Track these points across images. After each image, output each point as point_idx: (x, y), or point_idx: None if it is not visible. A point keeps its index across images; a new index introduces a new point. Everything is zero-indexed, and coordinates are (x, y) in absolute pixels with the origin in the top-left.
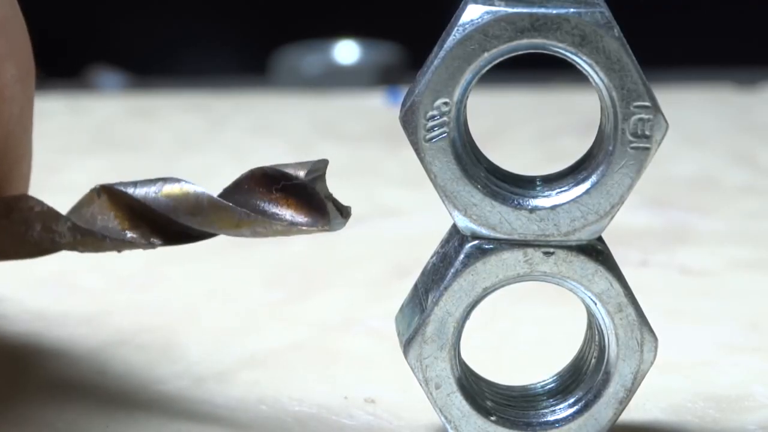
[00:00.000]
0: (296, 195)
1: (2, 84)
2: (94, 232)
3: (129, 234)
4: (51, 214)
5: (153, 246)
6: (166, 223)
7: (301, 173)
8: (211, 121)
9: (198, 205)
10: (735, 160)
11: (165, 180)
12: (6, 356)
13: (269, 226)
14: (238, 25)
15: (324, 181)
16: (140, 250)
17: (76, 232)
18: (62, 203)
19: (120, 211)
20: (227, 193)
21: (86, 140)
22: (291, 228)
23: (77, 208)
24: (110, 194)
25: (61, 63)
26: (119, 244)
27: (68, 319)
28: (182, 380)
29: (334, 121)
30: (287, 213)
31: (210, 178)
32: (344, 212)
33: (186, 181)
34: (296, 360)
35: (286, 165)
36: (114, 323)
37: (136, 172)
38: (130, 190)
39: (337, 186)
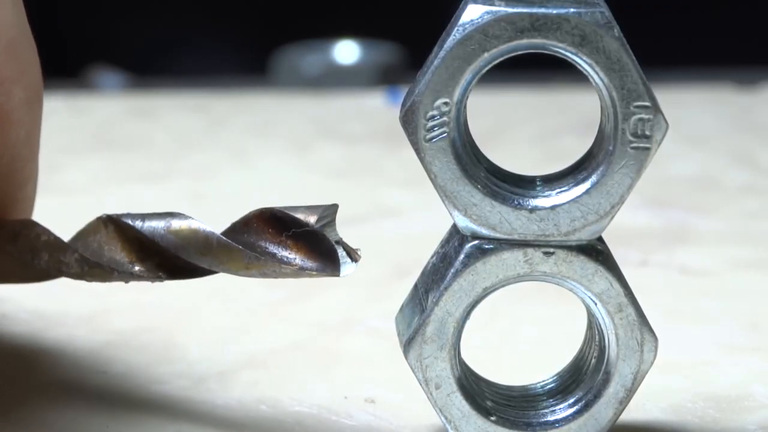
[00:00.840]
0: (306, 241)
1: (10, 108)
2: (101, 265)
3: (137, 267)
4: (58, 244)
5: (160, 280)
6: (173, 258)
7: (312, 219)
8: (211, 121)
9: (207, 245)
10: (735, 160)
11: (173, 215)
12: (6, 356)
13: (278, 269)
14: (238, 25)
15: (334, 226)
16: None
17: (84, 263)
18: (62, 203)
19: (127, 243)
20: (234, 230)
21: (86, 140)
22: (300, 272)
23: (82, 236)
24: (117, 226)
25: (61, 63)
26: (126, 276)
27: (68, 319)
28: (182, 380)
29: (334, 121)
30: (297, 258)
31: (210, 178)
32: (353, 256)
33: (194, 219)
34: (296, 360)
35: (296, 208)
36: (114, 323)
37: (136, 172)
38: (138, 224)
39: (337, 186)
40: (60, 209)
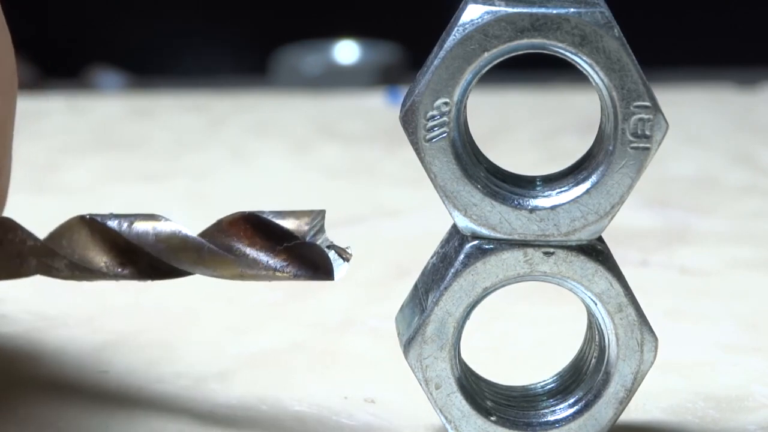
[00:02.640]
0: (299, 251)
1: None
2: (91, 270)
3: (126, 270)
4: (45, 249)
5: (151, 279)
6: (162, 262)
7: (303, 228)
8: (211, 121)
9: (198, 253)
10: (735, 160)
11: (157, 219)
12: (6, 356)
13: (272, 275)
14: (238, 25)
15: (323, 231)
16: None
17: (74, 269)
18: (62, 203)
19: (112, 245)
20: (219, 229)
21: (86, 140)
22: (294, 278)
23: (60, 234)
24: (100, 227)
25: (61, 63)
26: (116, 278)
27: (69, 320)
28: (182, 380)
29: (334, 121)
30: (290, 267)
31: (210, 177)
32: (344, 255)
33: (181, 226)
34: (296, 360)
35: (284, 215)
36: (114, 323)
37: (135, 172)
38: (124, 228)
39: (337, 186)
40: (60, 209)
